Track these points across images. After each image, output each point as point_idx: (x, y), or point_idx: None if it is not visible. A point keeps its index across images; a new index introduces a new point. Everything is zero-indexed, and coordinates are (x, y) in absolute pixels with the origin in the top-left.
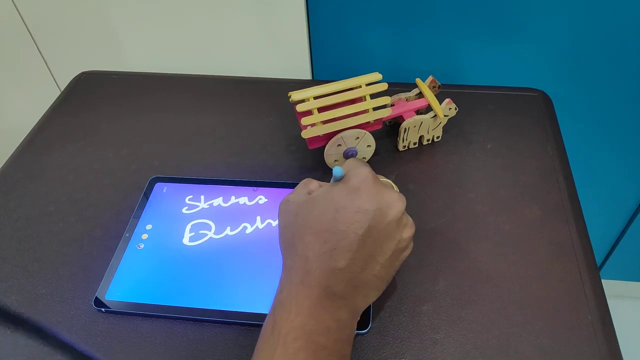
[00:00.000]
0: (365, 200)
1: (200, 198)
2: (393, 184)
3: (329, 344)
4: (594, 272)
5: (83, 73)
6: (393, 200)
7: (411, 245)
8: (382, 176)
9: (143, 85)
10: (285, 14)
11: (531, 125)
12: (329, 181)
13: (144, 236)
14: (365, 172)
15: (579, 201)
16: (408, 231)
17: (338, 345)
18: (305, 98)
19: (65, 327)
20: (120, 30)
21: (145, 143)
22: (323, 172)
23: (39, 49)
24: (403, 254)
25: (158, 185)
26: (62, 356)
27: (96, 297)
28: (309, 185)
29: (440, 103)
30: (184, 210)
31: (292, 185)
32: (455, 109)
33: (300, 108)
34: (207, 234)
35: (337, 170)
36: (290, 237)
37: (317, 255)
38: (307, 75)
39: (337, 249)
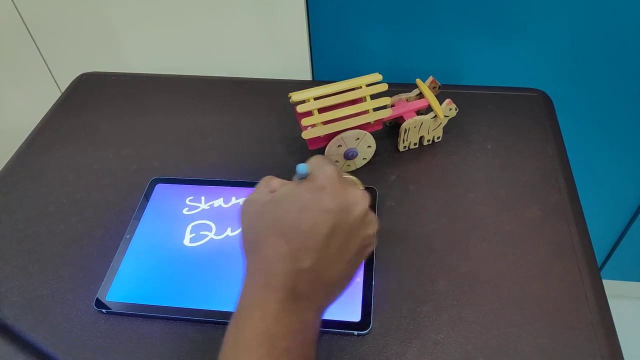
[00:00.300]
0: (330, 199)
1: (200, 199)
2: (357, 181)
3: (293, 347)
4: (595, 272)
5: (83, 74)
6: (357, 198)
7: (374, 241)
8: (346, 173)
9: (143, 86)
10: (285, 15)
11: (531, 125)
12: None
13: (145, 237)
14: (330, 171)
15: (579, 201)
16: (372, 228)
17: (302, 347)
18: (305, 99)
19: (66, 328)
20: (121, 31)
21: (146, 144)
22: None
23: (39, 50)
24: (367, 250)
25: (159, 186)
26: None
27: (97, 298)
28: (271, 183)
29: (441, 103)
30: (184, 211)
31: None
32: (456, 109)
33: (300, 109)
34: (207, 235)
35: (301, 168)
36: (253, 238)
37: (281, 256)
38: (308, 76)
39: (302, 249)
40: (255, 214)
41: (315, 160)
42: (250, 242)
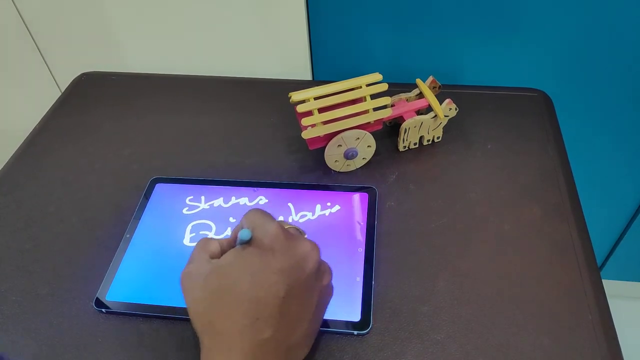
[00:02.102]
0: (280, 259)
1: (200, 199)
2: (301, 231)
3: None
4: (595, 272)
5: (83, 74)
6: (307, 252)
7: (331, 289)
8: (287, 224)
9: (143, 86)
10: (285, 14)
11: (531, 125)
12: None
13: (145, 237)
14: (274, 229)
15: (579, 201)
16: (327, 278)
17: None
18: (305, 99)
19: (66, 328)
20: (121, 31)
21: (146, 144)
22: (323, 173)
23: (39, 50)
24: (326, 302)
25: (159, 186)
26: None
27: (97, 298)
28: (209, 247)
29: (441, 103)
30: (184, 211)
31: (293, 186)
32: (456, 109)
33: (300, 109)
34: (207, 235)
35: (244, 234)
36: (204, 313)
37: (240, 329)
38: (308, 76)
39: (261, 319)
40: (199, 287)
41: (255, 217)
42: (200, 319)
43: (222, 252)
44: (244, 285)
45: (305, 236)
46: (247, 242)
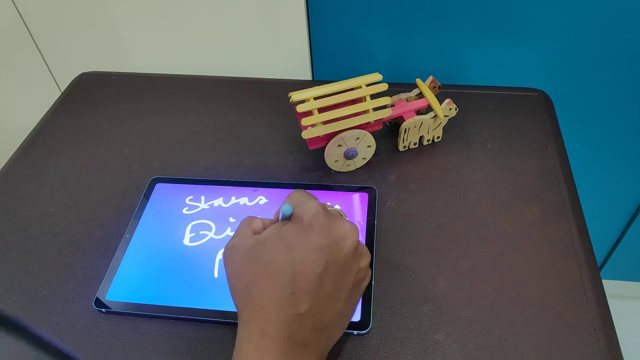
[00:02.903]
0: (319, 236)
1: (200, 198)
2: (341, 212)
3: None
4: (594, 272)
5: (83, 74)
6: (346, 232)
7: (369, 273)
8: (329, 205)
9: (143, 86)
10: (285, 15)
11: (531, 125)
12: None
13: (145, 237)
14: (315, 207)
15: (579, 201)
16: (365, 260)
17: None
18: (305, 98)
19: (66, 328)
20: (121, 31)
21: (146, 144)
22: (323, 173)
23: (39, 50)
24: (362, 284)
25: (158, 186)
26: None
27: (97, 298)
28: (252, 224)
29: (441, 103)
30: (184, 211)
31: (293, 186)
32: (456, 109)
33: (300, 108)
34: (207, 235)
35: (286, 209)
36: (243, 286)
37: (276, 302)
38: (308, 76)
39: (297, 293)
40: (240, 260)
41: (298, 196)
42: (240, 291)
43: (265, 229)
44: (282, 259)
45: (346, 218)
46: (288, 218)
